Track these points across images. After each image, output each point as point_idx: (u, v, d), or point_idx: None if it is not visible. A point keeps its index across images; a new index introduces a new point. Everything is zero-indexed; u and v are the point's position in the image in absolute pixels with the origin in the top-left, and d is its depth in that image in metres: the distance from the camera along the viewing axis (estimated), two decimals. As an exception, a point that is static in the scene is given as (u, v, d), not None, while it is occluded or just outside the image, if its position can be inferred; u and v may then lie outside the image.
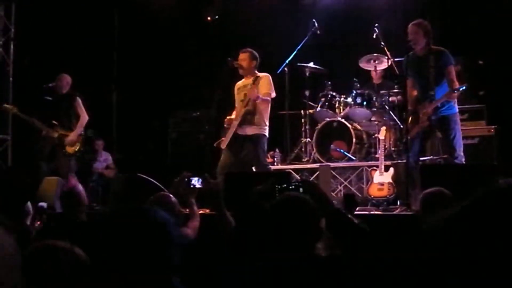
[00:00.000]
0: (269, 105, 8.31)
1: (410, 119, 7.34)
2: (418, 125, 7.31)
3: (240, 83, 8.49)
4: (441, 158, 8.04)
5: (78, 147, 9.26)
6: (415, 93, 7.52)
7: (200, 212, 5.36)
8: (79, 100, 9.38)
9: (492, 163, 7.05)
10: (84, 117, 9.38)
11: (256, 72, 8.36)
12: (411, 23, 7.43)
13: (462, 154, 7.11)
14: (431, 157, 8.64)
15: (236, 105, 8.48)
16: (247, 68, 8.31)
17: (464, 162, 7.10)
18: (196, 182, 4.65)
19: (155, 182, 8.08)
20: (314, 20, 9.89)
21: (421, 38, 7.33)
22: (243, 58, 8.33)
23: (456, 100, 7.42)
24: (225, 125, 8.36)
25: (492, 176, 6.26)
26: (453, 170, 6.73)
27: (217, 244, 4.14)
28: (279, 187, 3.68)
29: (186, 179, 4.75)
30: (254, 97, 8.12)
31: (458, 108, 8.77)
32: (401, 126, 7.61)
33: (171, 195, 4.40)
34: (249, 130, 8.18)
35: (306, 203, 3.27)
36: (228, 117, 8.41)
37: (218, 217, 4.31)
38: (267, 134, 8.26)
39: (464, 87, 7.26)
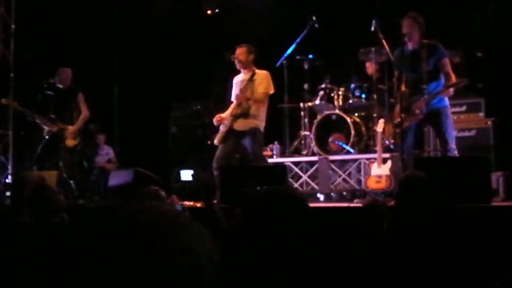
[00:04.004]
0: (266, 101, 8.31)
1: (402, 112, 7.33)
2: (410, 118, 7.31)
3: (238, 77, 8.51)
4: (438, 151, 8.07)
5: (77, 141, 9.30)
6: (403, 87, 7.50)
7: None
8: (81, 96, 9.42)
9: (485, 156, 7.05)
10: (86, 113, 9.42)
11: (254, 67, 8.37)
12: (405, 17, 7.42)
13: (454, 146, 7.11)
14: (429, 149, 8.71)
15: (232, 99, 8.50)
16: (245, 62, 8.33)
17: (456, 155, 7.11)
18: (186, 175, 4.69)
19: (154, 176, 8.15)
20: (312, 13, 9.93)
21: (416, 32, 7.32)
22: (240, 52, 8.35)
23: None
24: (215, 123, 8.38)
25: (485, 169, 6.30)
26: (446, 163, 6.75)
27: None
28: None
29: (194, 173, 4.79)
30: (241, 101, 8.18)
31: (457, 100, 8.81)
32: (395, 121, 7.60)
33: (161, 189, 4.44)
34: (244, 125, 8.19)
35: (293, 195, 3.30)
36: (218, 115, 8.43)
37: (206, 210, 4.36)
38: (262, 128, 8.24)
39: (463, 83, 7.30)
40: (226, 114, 8.35)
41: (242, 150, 8.33)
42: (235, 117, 8.19)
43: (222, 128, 8.25)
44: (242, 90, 8.21)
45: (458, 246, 5.07)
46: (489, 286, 4.51)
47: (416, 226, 4.24)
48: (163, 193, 4.40)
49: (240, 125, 8.19)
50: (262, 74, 8.26)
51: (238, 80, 8.47)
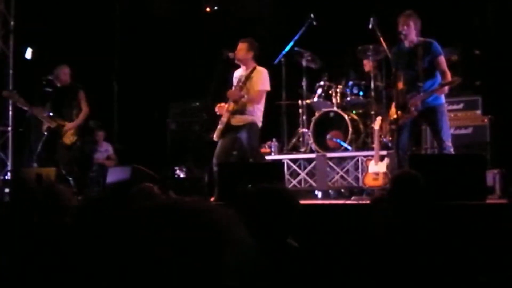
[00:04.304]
0: (262, 98, 8.29)
1: (397, 109, 7.34)
2: (406, 115, 7.33)
3: (238, 72, 8.50)
4: (434, 148, 8.10)
5: (75, 138, 9.32)
6: (401, 85, 7.53)
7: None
8: (82, 93, 9.45)
9: (480, 154, 7.07)
10: (86, 110, 9.45)
11: (254, 63, 8.37)
12: (402, 15, 7.44)
13: (450, 144, 7.13)
14: (426, 147, 8.73)
15: None
16: (243, 59, 8.32)
17: (452, 152, 7.13)
18: (180, 172, 4.72)
19: (151, 172, 8.18)
20: (311, 11, 9.95)
21: (411, 30, 7.35)
22: (241, 48, 8.33)
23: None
24: (216, 112, 8.40)
25: (480, 166, 6.32)
26: (441, 160, 6.78)
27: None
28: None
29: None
30: (234, 98, 8.18)
31: (454, 98, 8.84)
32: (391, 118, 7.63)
33: (154, 186, 4.47)
34: (241, 120, 8.20)
35: (281, 194, 3.33)
36: (219, 104, 8.45)
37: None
38: (259, 122, 8.26)
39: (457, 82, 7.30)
40: (224, 108, 8.37)
41: (240, 145, 8.36)
42: (232, 113, 8.20)
43: (220, 124, 8.28)
44: (237, 87, 8.22)
45: (452, 243, 5.12)
46: (476, 280, 4.57)
47: (407, 222, 4.30)
48: (156, 190, 4.43)
49: (236, 120, 8.20)
50: (259, 71, 8.25)
51: (237, 75, 8.47)
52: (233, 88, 8.46)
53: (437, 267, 4.22)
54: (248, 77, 8.23)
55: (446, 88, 7.26)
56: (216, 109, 8.38)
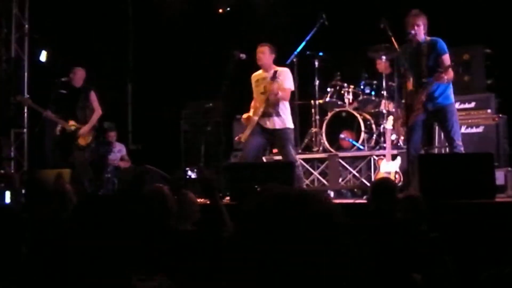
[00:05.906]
0: (289, 96, 8.43)
1: (406, 109, 7.37)
2: (414, 114, 7.34)
3: (258, 75, 8.53)
4: (446, 147, 8.11)
5: (90, 140, 9.43)
6: (410, 85, 7.54)
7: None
8: (94, 94, 9.55)
9: (489, 152, 7.05)
10: (98, 111, 9.55)
11: (274, 65, 8.45)
12: (410, 15, 7.47)
13: (460, 143, 7.13)
14: (438, 146, 8.74)
15: (255, 97, 8.57)
16: (267, 62, 8.39)
17: (462, 151, 7.14)
18: (191, 173, 4.77)
19: (163, 173, 8.25)
20: (322, 11, 9.98)
21: (419, 30, 7.39)
22: (263, 51, 8.37)
23: (452, 89, 7.43)
24: (243, 122, 8.47)
25: (489, 165, 6.34)
26: (450, 159, 6.80)
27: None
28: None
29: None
30: (275, 93, 8.20)
31: (466, 97, 8.85)
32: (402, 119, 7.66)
33: (165, 188, 4.51)
34: (276, 124, 8.27)
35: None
36: (244, 115, 8.52)
37: (212, 207, 4.45)
38: (291, 123, 8.37)
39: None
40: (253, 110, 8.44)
41: (264, 147, 8.47)
42: (262, 115, 8.26)
43: (249, 127, 8.33)
44: (270, 87, 8.24)
45: (461, 241, 5.16)
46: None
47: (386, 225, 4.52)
48: (167, 190, 4.48)
49: (272, 123, 8.29)
50: (285, 71, 8.38)
51: (258, 78, 8.49)
52: (254, 89, 8.53)
53: (442, 266, 4.26)
54: (273, 79, 8.26)
55: (449, 76, 7.22)
56: (243, 120, 8.45)
